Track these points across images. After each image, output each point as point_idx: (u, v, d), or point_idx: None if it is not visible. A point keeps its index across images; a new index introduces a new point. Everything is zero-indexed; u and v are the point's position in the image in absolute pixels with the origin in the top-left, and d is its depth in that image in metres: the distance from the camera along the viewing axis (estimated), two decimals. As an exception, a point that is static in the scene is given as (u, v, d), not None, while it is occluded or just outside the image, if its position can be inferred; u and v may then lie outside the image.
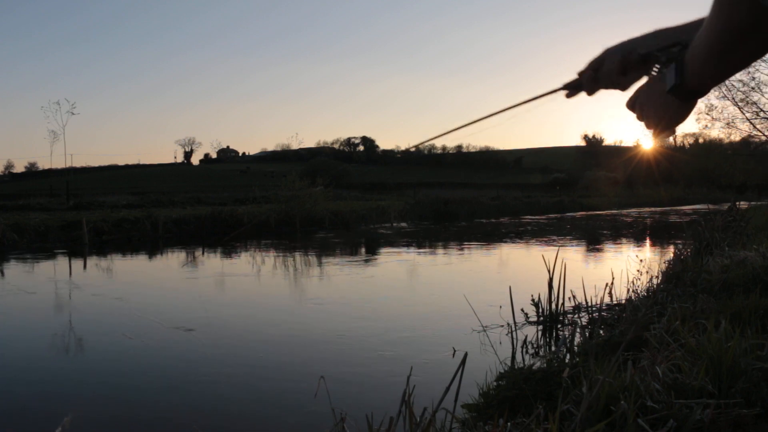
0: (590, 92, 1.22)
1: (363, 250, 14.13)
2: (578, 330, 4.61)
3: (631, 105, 1.12)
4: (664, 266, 6.69)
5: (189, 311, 6.65)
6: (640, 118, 1.11)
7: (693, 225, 9.74)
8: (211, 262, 11.95)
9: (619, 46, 1.17)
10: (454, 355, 4.54)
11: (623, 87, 1.19)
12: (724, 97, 27.70)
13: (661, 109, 1.04)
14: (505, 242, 15.32)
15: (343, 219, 21.45)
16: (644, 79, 1.14)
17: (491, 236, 17.11)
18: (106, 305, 7.04)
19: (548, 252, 6.35)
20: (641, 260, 6.99)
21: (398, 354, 4.71)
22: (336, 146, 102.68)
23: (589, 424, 2.00)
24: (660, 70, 1.09)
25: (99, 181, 60.85)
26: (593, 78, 1.19)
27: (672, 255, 8.04)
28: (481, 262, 11.49)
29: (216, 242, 13.62)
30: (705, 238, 7.76)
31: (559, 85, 1.26)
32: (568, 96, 1.25)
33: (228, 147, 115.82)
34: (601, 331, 4.37)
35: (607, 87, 1.20)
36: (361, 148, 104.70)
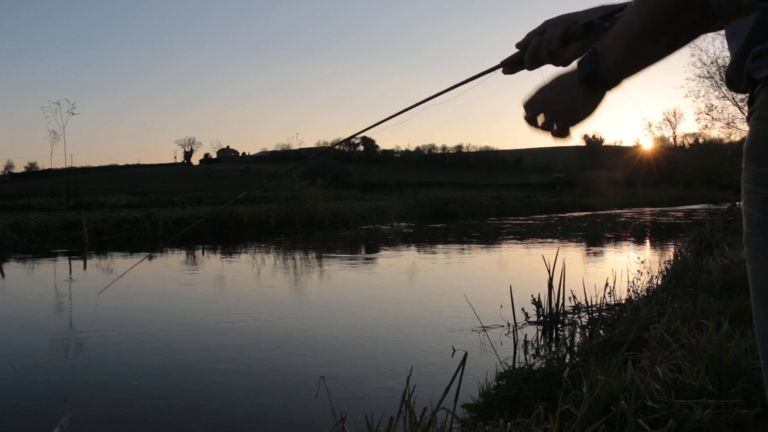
0: (531, 67, 1.15)
1: (363, 250, 14.13)
2: (578, 330, 4.61)
3: (531, 104, 1.04)
4: (664, 266, 6.69)
5: (188, 311, 6.64)
6: (537, 119, 1.03)
7: (694, 225, 9.74)
8: (211, 262, 11.95)
9: (561, 17, 1.13)
10: (453, 355, 4.53)
11: (565, 61, 1.14)
12: (724, 97, 27.73)
13: (569, 102, 0.98)
14: (505, 242, 15.31)
15: (343, 219, 21.45)
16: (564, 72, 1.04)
17: (491, 236, 17.11)
18: (106, 305, 7.04)
19: (548, 252, 6.35)
20: (641, 260, 6.99)
21: (398, 354, 4.71)
22: (336, 146, 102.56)
23: (590, 424, 2.00)
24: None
25: (99, 181, 60.81)
26: (534, 50, 1.13)
27: (672, 255, 8.03)
28: (481, 262, 11.49)
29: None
30: (705, 238, 7.76)
31: (497, 62, 1.18)
32: (506, 73, 1.19)
33: (228, 147, 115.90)
34: (601, 331, 4.37)
35: (548, 60, 1.14)
36: (361, 148, 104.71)
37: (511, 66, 1.17)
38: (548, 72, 1.15)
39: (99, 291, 6.88)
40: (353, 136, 1.37)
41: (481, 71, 1.16)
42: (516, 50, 1.17)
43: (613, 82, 0.94)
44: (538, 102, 1.03)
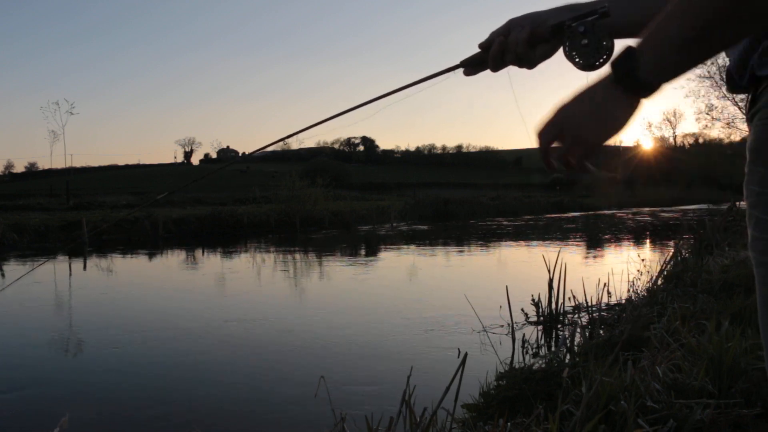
0: (495, 68, 1.06)
1: (363, 250, 14.12)
2: (578, 330, 4.61)
3: (549, 127, 0.87)
4: (664, 266, 6.69)
5: (188, 311, 6.64)
6: (561, 141, 0.86)
7: (693, 225, 9.74)
8: (211, 262, 11.95)
9: (526, 17, 1.05)
10: (458, 355, 4.53)
11: (531, 64, 1.05)
12: (724, 97, 27.76)
13: (597, 113, 0.83)
14: (505, 242, 15.31)
15: (343, 219, 21.45)
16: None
17: (491, 236, 17.11)
18: (106, 305, 7.04)
19: (548, 252, 6.35)
20: (641, 260, 6.98)
21: (398, 354, 4.71)
22: (336, 146, 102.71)
23: (589, 422, 2.00)
24: (573, 43, 0.93)
25: (99, 181, 60.78)
26: (498, 51, 1.04)
27: (672, 255, 8.03)
28: (481, 262, 11.49)
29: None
30: (705, 238, 7.75)
31: (457, 62, 1.09)
32: (468, 74, 1.09)
33: (228, 147, 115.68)
34: (601, 331, 4.37)
35: (513, 62, 1.05)
36: (361, 148, 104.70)
37: (472, 66, 1.08)
38: (515, 72, 1.08)
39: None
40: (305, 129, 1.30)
41: (440, 70, 1.08)
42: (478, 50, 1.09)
43: (655, 84, 0.81)
44: (558, 121, 0.86)
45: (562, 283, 5.33)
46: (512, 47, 1.03)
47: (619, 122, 0.84)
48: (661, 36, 0.78)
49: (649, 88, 0.82)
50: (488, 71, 1.09)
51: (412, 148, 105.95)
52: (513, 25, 1.05)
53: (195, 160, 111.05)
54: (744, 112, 0.94)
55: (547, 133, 0.87)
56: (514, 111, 1.07)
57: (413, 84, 1.10)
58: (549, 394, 2.64)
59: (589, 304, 5.45)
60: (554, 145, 0.87)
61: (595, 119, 0.84)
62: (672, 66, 0.80)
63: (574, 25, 0.93)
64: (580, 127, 0.84)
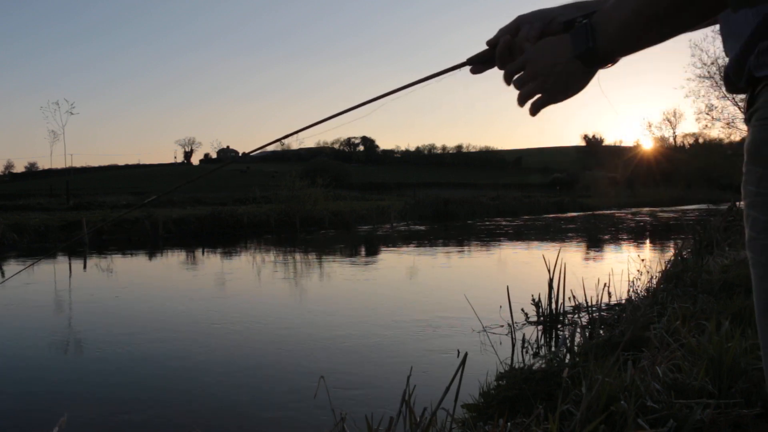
0: (502, 66, 1.05)
1: (363, 250, 14.12)
2: (578, 330, 4.60)
3: (522, 79, 0.99)
4: (664, 266, 6.68)
5: (188, 311, 6.64)
6: (526, 86, 0.98)
7: (693, 225, 9.73)
8: (211, 261, 11.94)
9: (534, 14, 1.05)
10: (458, 355, 4.53)
11: None
12: (724, 97, 27.76)
13: (563, 77, 0.95)
14: (505, 242, 15.31)
15: (343, 219, 21.46)
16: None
17: (491, 236, 17.11)
18: (106, 305, 7.04)
19: (548, 252, 6.35)
20: (641, 260, 6.98)
21: (398, 354, 4.71)
22: (336, 146, 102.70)
23: (589, 423, 2.00)
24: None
25: (99, 181, 60.81)
26: (507, 48, 1.04)
27: (672, 255, 8.03)
28: (481, 262, 11.49)
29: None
30: (705, 238, 7.75)
31: (464, 59, 1.08)
32: (475, 72, 1.09)
33: (228, 147, 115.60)
34: (601, 331, 4.37)
35: None
36: (361, 148, 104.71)
37: (480, 64, 1.08)
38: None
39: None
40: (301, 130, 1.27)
41: (446, 67, 1.07)
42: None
43: (610, 58, 0.92)
44: (531, 72, 0.98)
45: (562, 283, 5.33)
46: (522, 44, 1.03)
47: (577, 88, 0.97)
48: (615, 16, 0.87)
49: (605, 61, 0.93)
50: (495, 69, 1.08)
51: (412, 148, 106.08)
52: (522, 22, 1.04)
53: (195, 160, 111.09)
54: (743, 112, 0.95)
55: (517, 74, 1.00)
56: (515, 110, 1.06)
57: (421, 81, 1.09)
58: (549, 394, 2.64)
59: (589, 304, 5.45)
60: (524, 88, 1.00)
61: (559, 86, 0.96)
62: (627, 45, 0.90)
63: (585, 22, 0.94)
64: (546, 87, 0.97)
